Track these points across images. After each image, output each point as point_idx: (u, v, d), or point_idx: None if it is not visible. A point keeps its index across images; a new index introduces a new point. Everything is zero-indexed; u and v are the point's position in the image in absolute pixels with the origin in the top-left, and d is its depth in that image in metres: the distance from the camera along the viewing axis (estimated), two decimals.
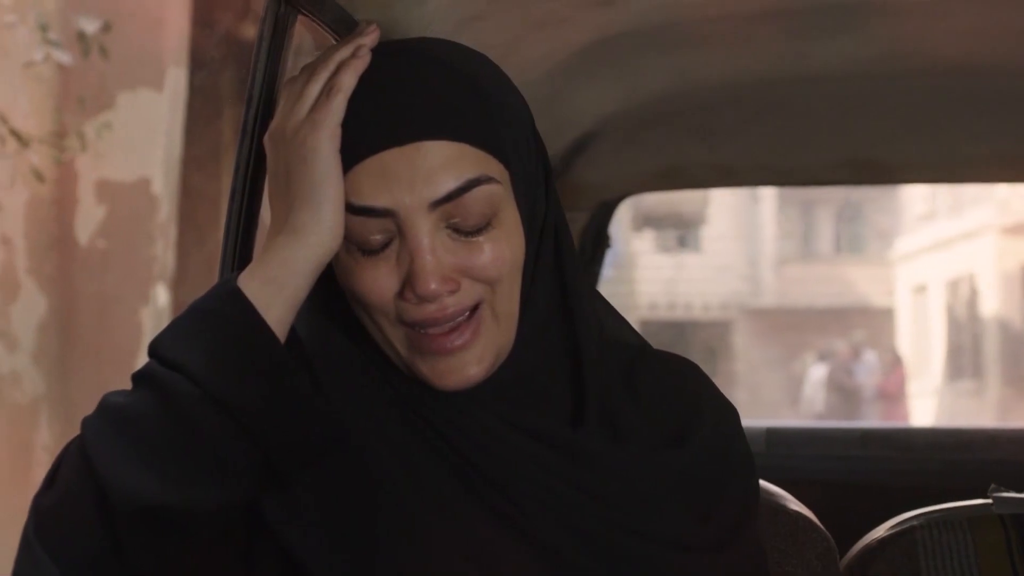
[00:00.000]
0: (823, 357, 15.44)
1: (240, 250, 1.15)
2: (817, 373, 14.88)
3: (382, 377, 1.01)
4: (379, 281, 0.98)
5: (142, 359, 0.95)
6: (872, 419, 13.66)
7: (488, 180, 0.97)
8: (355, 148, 0.97)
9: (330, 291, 1.01)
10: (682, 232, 20.44)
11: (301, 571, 0.95)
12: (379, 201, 0.96)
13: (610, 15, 1.58)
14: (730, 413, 1.09)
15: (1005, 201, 15.86)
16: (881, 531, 1.46)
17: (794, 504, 1.44)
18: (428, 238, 0.96)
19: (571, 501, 0.99)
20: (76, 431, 0.94)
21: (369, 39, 1.00)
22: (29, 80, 4.98)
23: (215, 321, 0.94)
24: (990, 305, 16.57)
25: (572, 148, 2.14)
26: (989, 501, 1.45)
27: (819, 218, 21.14)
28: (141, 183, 5.24)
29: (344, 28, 1.23)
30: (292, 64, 1.19)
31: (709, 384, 1.10)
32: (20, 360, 4.99)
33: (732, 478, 1.06)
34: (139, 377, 0.93)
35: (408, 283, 0.96)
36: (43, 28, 4.89)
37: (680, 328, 19.03)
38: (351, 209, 0.97)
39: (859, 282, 20.38)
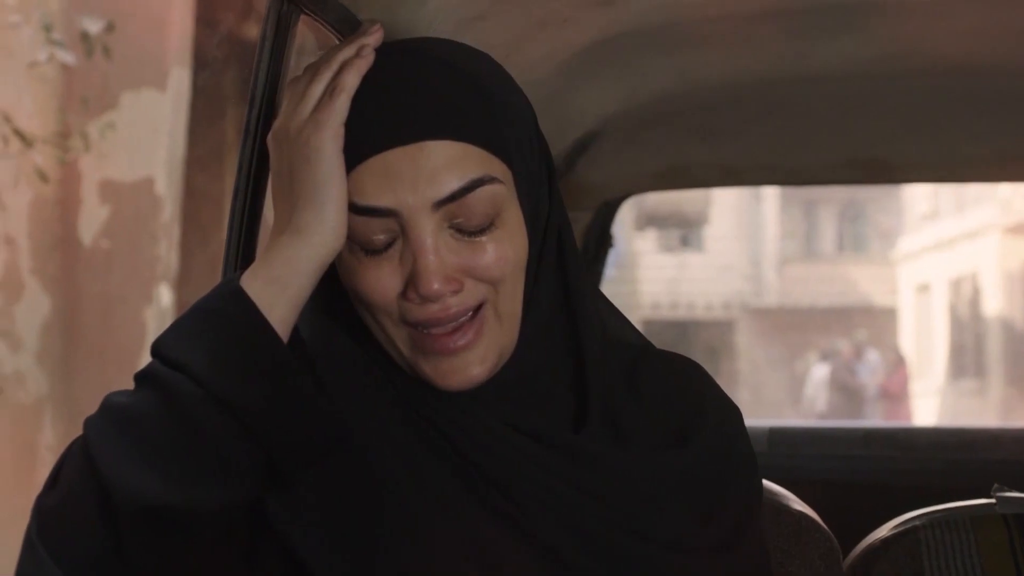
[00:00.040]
0: (826, 357, 15.43)
1: (243, 250, 1.15)
2: (820, 373, 14.87)
3: (385, 377, 1.01)
4: (382, 281, 0.98)
5: (145, 359, 0.94)
6: (875, 419, 13.65)
7: (491, 180, 0.97)
8: (358, 148, 0.97)
9: (333, 291, 1.01)
10: (685, 232, 20.43)
11: (304, 571, 0.95)
12: (382, 201, 0.96)
13: (612, 15, 1.58)
14: (733, 413, 1.09)
15: (1008, 201, 15.85)
16: (884, 531, 1.46)
17: (797, 504, 1.44)
18: (431, 238, 0.96)
19: (572, 501, 0.99)
20: (80, 431, 0.94)
21: (373, 39, 1.00)
22: (33, 80, 4.99)
23: (218, 321, 0.94)
24: (993, 304, 16.56)
25: (575, 148, 2.14)
26: (992, 501, 1.45)
27: (822, 218, 21.14)
28: (144, 183, 5.24)
29: (347, 28, 1.23)
30: (295, 64, 1.19)
31: (712, 384, 1.10)
32: (24, 360, 5.00)
33: (735, 478, 1.05)
34: (141, 377, 0.93)
35: (411, 283, 0.96)
36: (47, 28, 4.89)
37: (682, 328, 19.03)
38: (354, 209, 0.96)
39: (862, 281, 20.37)
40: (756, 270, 20.52)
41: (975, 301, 17.14)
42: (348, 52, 0.99)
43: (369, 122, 0.97)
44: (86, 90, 5.10)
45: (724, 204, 19.60)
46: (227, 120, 5.82)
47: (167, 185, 5.27)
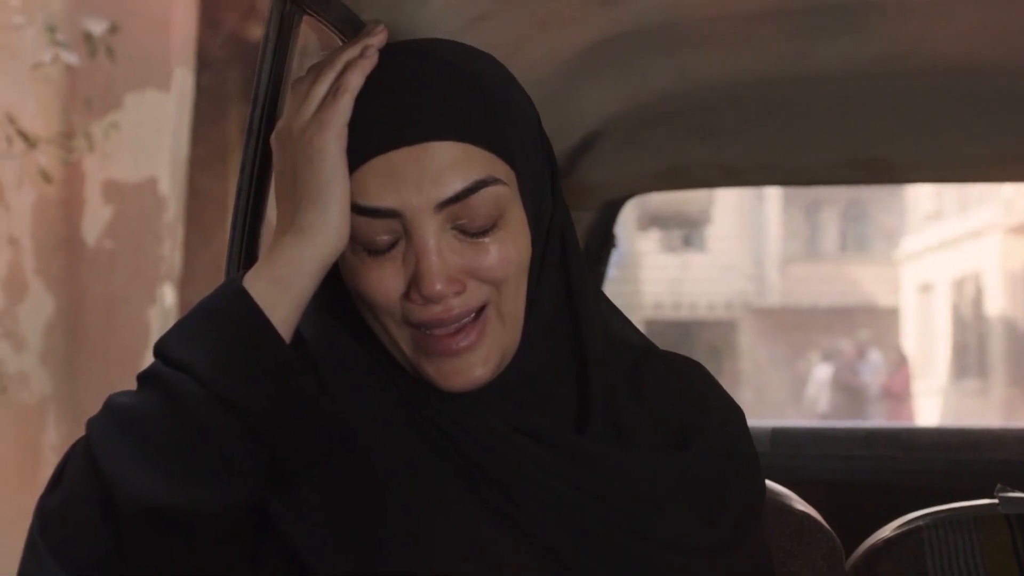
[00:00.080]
0: (828, 356, 15.42)
1: (246, 250, 1.16)
2: (822, 373, 14.86)
3: (388, 378, 1.01)
4: (385, 282, 0.98)
5: (149, 359, 0.94)
6: (877, 419, 13.64)
7: (495, 181, 0.97)
8: (362, 148, 0.97)
9: (336, 291, 1.01)
10: (687, 232, 20.42)
11: (306, 571, 0.95)
12: (385, 202, 0.96)
13: (613, 15, 1.58)
14: (736, 413, 1.09)
15: (1011, 201, 15.83)
16: (887, 531, 1.46)
17: (799, 504, 1.44)
18: (434, 239, 0.96)
19: (572, 502, 0.99)
20: (83, 431, 0.94)
21: (377, 40, 1.00)
22: (37, 81, 4.99)
23: (220, 321, 0.94)
24: (996, 304, 16.54)
25: (577, 148, 2.14)
26: (995, 501, 1.45)
27: (824, 217, 21.12)
28: (148, 183, 5.25)
29: (349, 28, 1.23)
30: (298, 64, 1.19)
31: (715, 384, 1.10)
32: (28, 360, 5.00)
33: (737, 478, 1.05)
34: (144, 377, 0.93)
35: (414, 284, 0.96)
36: (51, 29, 4.90)
37: (685, 328, 19.02)
38: (357, 209, 0.96)
39: (864, 281, 20.35)
40: (759, 270, 20.51)
41: (978, 301, 17.12)
42: (352, 52, 0.99)
43: (372, 122, 0.97)
44: (90, 91, 5.11)
45: (727, 204, 19.59)
46: (230, 120, 5.83)
47: (171, 185, 5.27)
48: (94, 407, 0.95)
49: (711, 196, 17.88)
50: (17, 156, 4.87)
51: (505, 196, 0.98)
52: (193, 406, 0.91)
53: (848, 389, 14.19)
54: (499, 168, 0.98)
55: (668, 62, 1.86)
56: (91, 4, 5.09)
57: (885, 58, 1.86)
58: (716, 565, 1.01)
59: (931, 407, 16.36)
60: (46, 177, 4.96)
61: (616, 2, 1.54)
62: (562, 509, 0.98)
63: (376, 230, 0.97)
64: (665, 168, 2.27)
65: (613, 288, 2.29)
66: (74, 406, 5.04)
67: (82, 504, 0.90)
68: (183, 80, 5.31)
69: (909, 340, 18.59)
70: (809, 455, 2.33)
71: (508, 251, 0.98)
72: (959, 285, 17.74)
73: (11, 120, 4.80)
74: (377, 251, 0.98)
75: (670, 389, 1.07)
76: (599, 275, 2.43)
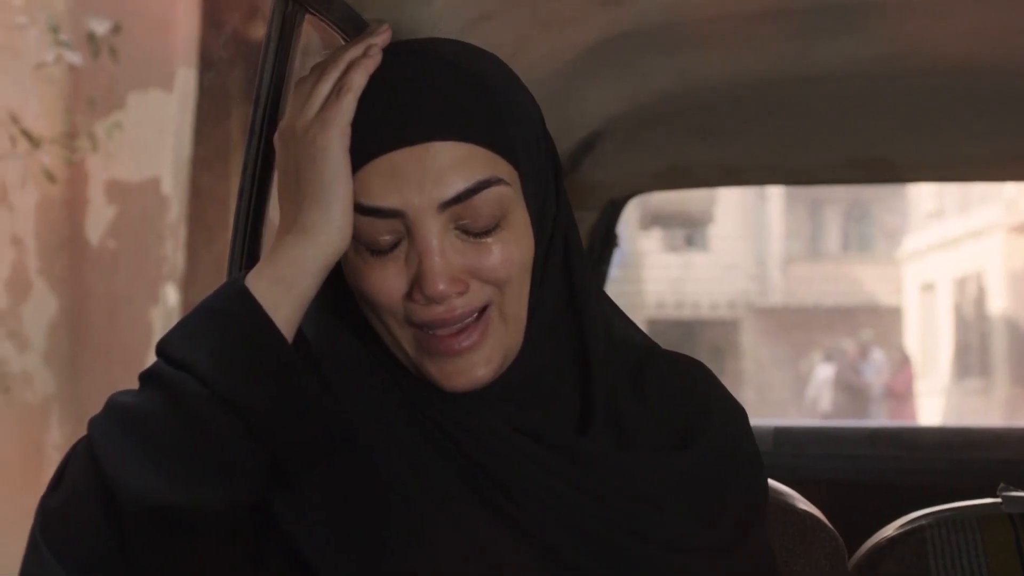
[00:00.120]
0: (830, 356, 15.42)
1: (248, 249, 1.16)
2: (824, 372, 14.86)
3: (390, 378, 1.01)
4: (387, 282, 0.98)
5: (152, 359, 0.94)
6: (880, 418, 13.64)
7: (498, 181, 0.97)
8: (365, 148, 0.96)
9: (338, 291, 1.01)
10: (690, 231, 20.41)
11: (308, 571, 0.95)
12: (388, 201, 0.96)
13: (614, 15, 1.58)
14: (738, 413, 1.09)
15: (1013, 200, 15.82)
16: (890, 530, 1.46)
17: (802, 503, 1.44)
18: (437, 239, 0.96)
19: (573, 502, 0.99)
20: (86, 431, 0.94)
21: (381, 39, 0.99)
22: (40, 81, 5.00)
23: (223, 320, 0.93)
24: (998, 304, 16.53)
25: (580, 147, 2.14)
26: (998, 500, 1.45)
27: (827, 217, 21.11)
28: (151, 183, 5.26)
29: (352, 27, 1.23)
30: (300, 64, 1.19)
31: (717, 384, 1.10)
32: (31, 360, 5.01)
33: (738, 478, 1.05)
34: (146, 377, 0.93)
35: (416, 284, 0.96)
36: (54, 29, 4.91)
37: (687, 327, 19.01)
38: (360, 209, 0.96)
39: (867, 281, 20.34)
40: (761, 269, 20.50)
41: (980, 300, 17.11)
42: (355, 52, 0.99)
43: (375, 122, 0.97)
44: (93, 90, 5.11)
45: (729, 204, 19.58)
46: (233, 120, 5.83)
47: (173, 185, 5.28)
48: (97, 407, 0.95)
49: (713, 195, 17.87)
50: (21, 156, 4.88)
51: (508, 196, 0.98)
52: (195, 406, 0.91)
53: (850, 388, 14.19)
54: (502, 168, 0.98)
55: (669, 62, 1.86)
56: (94, 4, 5.09)
57: (885, 58, 1.86)
58: (716, 565, 1.01)
59: (933, 407, 16.36)
60: (49, 177, 4.96)
61: (617, 2, 1.54)
62: (562, 509, 0.98)
63: (379, 230, 0.97)
64: (666, 168, 2.27)
65: (615, 288, 2.30)
66: (77, 406, 5.05)
67: (84, 503, 0.90)
68: (186, 80, 5.32)
69: (911, 339, 18.58)
70: (812, 454, 2.34)
71: (511, 251, 0.98)
72: (961, 284, 17.73)
73: (15, 120, 4.80)
74: (380, 251, 0.98)
75: (673, 389, 1.07)
76: (601, 275, 2.43)
